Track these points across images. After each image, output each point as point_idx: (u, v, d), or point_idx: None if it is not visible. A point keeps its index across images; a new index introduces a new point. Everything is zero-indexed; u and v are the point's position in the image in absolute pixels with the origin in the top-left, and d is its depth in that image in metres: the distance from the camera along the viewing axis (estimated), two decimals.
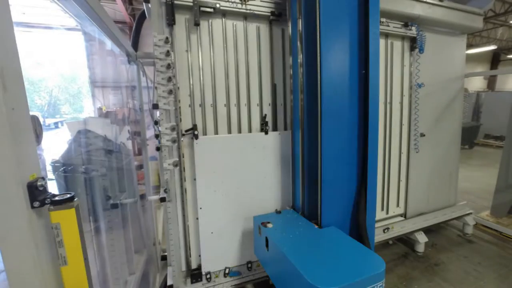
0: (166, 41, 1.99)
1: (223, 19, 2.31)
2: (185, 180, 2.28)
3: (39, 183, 0.83)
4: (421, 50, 3.13)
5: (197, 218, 2.36)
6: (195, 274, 2.36)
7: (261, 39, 2.46)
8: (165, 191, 2.18)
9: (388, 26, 2.92)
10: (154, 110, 2.33)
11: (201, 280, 2.37)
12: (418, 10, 2.97)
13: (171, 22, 2.08)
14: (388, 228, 3.15)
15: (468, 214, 3.76)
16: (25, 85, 0.84)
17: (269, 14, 2.38)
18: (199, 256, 2.42)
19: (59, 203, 0.87)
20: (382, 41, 3.03)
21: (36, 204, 0.82)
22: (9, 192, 0.77)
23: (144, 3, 2.32)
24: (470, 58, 12.33)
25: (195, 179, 2.31)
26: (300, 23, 2.15)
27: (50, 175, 2.33)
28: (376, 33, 2.05)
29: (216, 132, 2.40)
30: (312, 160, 2.20)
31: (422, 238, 3.32)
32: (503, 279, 2.86)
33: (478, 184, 5.87)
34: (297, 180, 2.42)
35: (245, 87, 2.47)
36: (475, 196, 5.12)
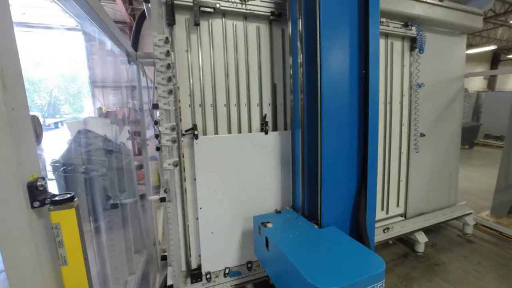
0: (166, 41, 1.99)
1: (223, 19, 2.31)
2: (185, 180, 2.28)
3: (39, 183, 0.83)
4: (421, 50, 3.14)
5: (197, 218, 2.36)
6: (195, 274, 2.36)
7: (261, 39, 2.46)
8: (165, 191, 2.18)
9: (388, 26, 2.92)
10: (154, 110, 2.33)
11: (201, 280, 2.37)
12: (418, 10, 2.97)
13: (171, 22, 2.08)
14: (388, 228, 3.15)
15: (468, 214, 3.76)
16: (25, 85, 0.84)
17: (269, 14, 2.38)
18: (199, 256, 2.42)
19: (59, 203, 0.87)
20: (382, 41, 3.03)
21: (36, 204, 0.82)
22: (9, 192, 0.77)
23: (144, 3, 2.33)
24: (470, 58, 12.33)
25: (195, 179, 2.31)
26: (300, 23, 2.15)
27: (50, 175, 2.34)
28: (376, 33, 2.05)
29: (216, 132, 2.40)
30: (312, 160, 2.20)
31: (422, 238, 3.32)
32: (503, 279, 2.86)
33: (478, 184, 5.87)
34: (297, 180, 2.42)
35: (245, 87, 2.47)
36: (475, 196, 5.12)
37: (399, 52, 3.15)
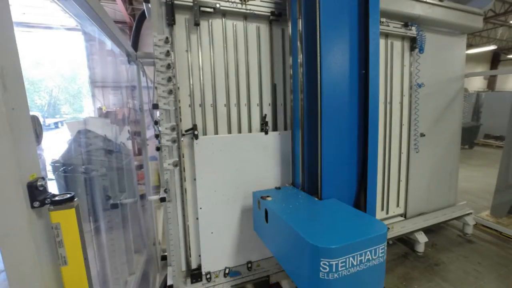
0: (166, 41, 1.99)
1: (223, 19, 2.31)
2: (185, 180, 2.28)
3: (39, 183, 0.83)
4: (421, 50, 3.14)
5: (197, 218, 2.36)
6: (195, 274, 2.36)
7: (261, 39, 2.46)
8: (165, 191, 2.18)
9: (388, 26, 2.92)
10: (154, 110, 2.33)
11: (201, 280, 2.37)
12: (418, 10, 2.97)
13: (171, 22, 2.08)
14: (388, 228, 3.14)
15: (468, 214, 3.76)
16: (25, 85, 0.84)
17: (269, 14, 2.38)
18: (199, 256, 2.42)
19: (59, 203, 0.87)
20: (382, 41, 3.03)
21: (36, 204, 0.82)
22: (9, 192, 0.77)
23: (144, 3, 2.33)
24: (470, 58, 12.35)
25: (195, 179, 2.31)
26: (300, 23, 2.15)
27: (50, 175, 2.33)
28: (376, 33, 2.05)
29: (216, 132, 2.40)
30: (312, 160, 2.20)
31: (422, 238, 3.32)
32: (503, 279, 2.86)
33: (478, 184, 5.87)
34: (297, 180, 2.42)
35: (245, 87, 2.47)
36: (475, 196, 5.12)
37: (399, 52, 3.15)
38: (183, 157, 2.25)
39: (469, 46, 15.10)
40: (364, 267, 1.48)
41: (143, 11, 2.86)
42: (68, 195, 0.89)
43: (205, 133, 2.36)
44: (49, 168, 2.39)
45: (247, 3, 2.28)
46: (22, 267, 0.81)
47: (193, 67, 2.25)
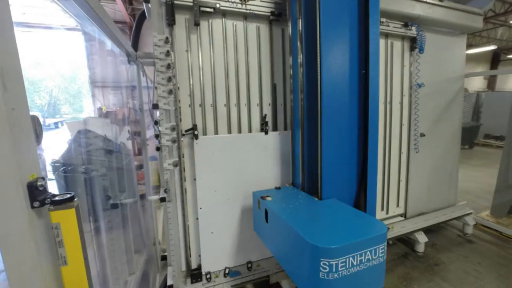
0: (166, 41, 1.99)
1: (223, 19, 2.31)
2: (185, 180, 2.28)
3: (39, 183, 0.83)
4: (421, 50, 3.14)
5: (197, 218, 2.36)
6: (195, 274, 2.36)
7: (261, 39, 2.46)
8: (165, 191, 2.18)
9: (388, 26, 2.92)
10: (154, 110, 2.33)
11: (201, 280, 2.37)
12: (418, 10, 2.97)
13: (171, 22, 2.08)
14: (388, 228, 3.14)
15: (468, 214, 3.76)
16: (25, 85, 0.84)
17: (269, 14, 2.38)
18: (199, 256, 2.42)
19: (59, 203, 0.87)
20: (382, 41, 3.03)
21: (36, 204, 0.82)
22: (9, 192, 0.77)
23: (144, 3, 2.33)
24: (470, 58, 12.35)
25: (195, 179, 2.31)
26: (300, 23, 2.15)
27: (50, 175, 2.33)
28: (376, 33, 2.05)
29: (216, 132, 2.40)
30: (312, 160, 2.20)
31: (422, 238, 3.32)
32: (503, 279, 2.86)
33: (478, 184, 5.87)
34: (297, 180, 2.42)
35: (245, 87, 2.47)
36: (475, 196, 5.12)
37: (399, 52, 3.15)
38: (183, 157, 2.25)
39: (469, 46, 15.10)
40: (364, 267, 1.48)
41: (143, 11, 2.86)
42: (68, 195, 0.89)
43: (205, 133, 2.36)
44: (49, 168, 2.39)
45: (247, 3, 2.28)
46: (22, 267, 0.81)
47: (193, 67, 2.25)
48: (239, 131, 2.48)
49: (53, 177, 2.32)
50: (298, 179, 2.40)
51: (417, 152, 3.38)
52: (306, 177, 2.28)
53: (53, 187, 2.19)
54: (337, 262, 1.40)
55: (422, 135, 3.38)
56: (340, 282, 1.42)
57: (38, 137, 0.94)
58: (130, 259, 2.46)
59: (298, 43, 2.18)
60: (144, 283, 2.59)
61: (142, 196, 3.17)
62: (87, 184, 1.98)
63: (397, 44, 3.13)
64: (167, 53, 2.00)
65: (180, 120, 2.19)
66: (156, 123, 2.56)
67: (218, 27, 2.30)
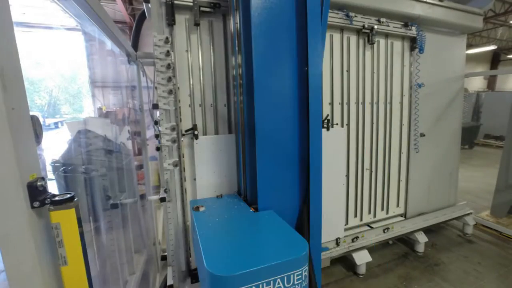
0: (166, 41, 1.99)
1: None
2: (185, 180, 2.28)
3: (39, 183, 0.83)
4: (421, 50, 3.14)
5: None
6: (195, 274, 2.36)
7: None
8: (165, 191, 2.18)
9: (388, 26, 2.92)
10: (154, 110, 2.32)
11: None
12: (418, 10, 2.97)
13: (171, 22, 2.08)
14: (388, 228, 3.15)
15: (468, 214, 3.76)
16: (25, 85, 0.84)
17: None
18: None
19: (59, 203, 0.87)
20: (382, 41, 3.03)
21: (36, 204, 0.82)
22: (9, 192, 0.77)
23: (144, 3, 2.32)
24: (470, 58, 12.34)
25: (195, 179, 2.30)
26: (237, 16, 1.90)
27: (50, 175, 2.33)
28: (316, 25, 1.81)
29: (216, 132, 2.40)
30: (253, 168, 1.94)
31: (422, 238, 3.32)
32: (503, 279, 2.86)
33: (478, 184, 5.87)
34: (240, 188, 2.27)
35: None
36: (475, 196, 5.12)
37: (399, 52, 3.15)
38: (183, 157, 2.25)
39: (469, 46, 15.09)
40: None
41: (143, 11, 2.86)
42: (68, 195, 0.89)
43: (205, 133, 2.36)
44: (49, 168, 2.39)
45: None
46: (22, 267, 0.81)
47: (193, 67, 2.25)
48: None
49: (53, 177, 2.32)
50: (241, 187, 2.24)
51: (417, 152, 3.38)
52: (248, 185, 2.11)
53: (53, 187, 2.19)
54: None
55: (422, 135, 3.38)
56: None
57: (38, 137, 0.94)
58: (130, 259, 2.46)
59: (236, 40, 1.96)
60: (144, 283, 2.59)
61: (142, 196, 3.17)
62: (87, 184, 1.98)
63: (397, 44, 3.13)
64: (167, 53, 2.00)
65: (180, 120, 2.19)
66: (156, 123, 2.56)
67: (219, 27, 2.29)
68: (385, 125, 3.19)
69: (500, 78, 19.57)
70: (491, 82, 19.51)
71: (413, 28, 3.06)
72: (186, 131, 2.24)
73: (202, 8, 2.13)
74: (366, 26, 2.78)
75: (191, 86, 2.25)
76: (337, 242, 2.82)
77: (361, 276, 2.94)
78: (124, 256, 2.33)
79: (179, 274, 2.34)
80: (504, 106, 8.96)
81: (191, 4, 2.09)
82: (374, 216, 3.29)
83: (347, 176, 3.01)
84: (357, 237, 2.92)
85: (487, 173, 6.54)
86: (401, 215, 3.48)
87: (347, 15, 2.64)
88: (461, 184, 4.19)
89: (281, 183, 1.95)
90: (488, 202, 4.27)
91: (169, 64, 2.01)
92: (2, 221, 0.77)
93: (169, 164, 2.13)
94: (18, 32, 0.82)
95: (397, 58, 3.15)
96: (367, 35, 2.89)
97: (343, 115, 2.93)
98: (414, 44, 3.14)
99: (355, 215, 3.17)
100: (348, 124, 2.97)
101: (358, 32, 2.86)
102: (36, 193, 0.82)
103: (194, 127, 2.24)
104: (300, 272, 1.31)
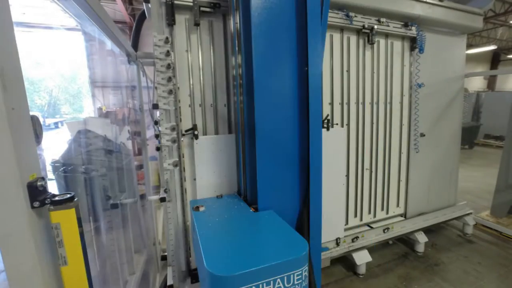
0: (166, 41, 1.99)
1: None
2: (185, 180, 2.28)
3: (39, 183, 0.83)
4: (421, 50, 3.14)
5: None
6: (195, 274, 2.36)
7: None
8: (165, 191, 2.18)
9: (388, 26, 2.92)
10: (154, 110, 2.32)
11: None
12: (418, 10, 2.97)
13: (171, 22, 2.08)
14: (388, 228, 3.15)
15: (468, 214, 3.76)
16: (25, 85, 0.84)
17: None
18: None
19: (59, 203, 0.87)
20: (382, 41, 3.03)
21: (36, 204, 0.82)
22: (9, 192, 0.77)
23: (144, 3, 2.32)
24: (470, 58, 12.34)
25: (195, 179, 2.30)
26: (237, 16, 1.90)
27: (50, 175, 2.33)
28: (316, 26, 1.80)
29: (216, 132, 2.40)
30: (253, 167, 1.94)
31: (422, 238, 3.32)
32: (503, 279, 2.86)
33: (478, 184, 5.87)
34: (240, 187, 2.26)
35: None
36: (475, 196, 5.12)
37: (399, 52, 3.15)
38: (183, 157, 2.25)
39: (469, 46, 15.09)
40: None
41: (143, 11, 2.86)
42: (68, 195, 0.89)
43: (205, 133, 2.36)
44: (49, 168, 2.39)
45: None
46: (22, 267, 0.81)
47: (193, 67, 2.25)
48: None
49: (53, 177, 2.32)
50: (241, 187, 2.23)
51: (417, 152, 3.38)
52: (248, 185, 2.10)
53: (53, 187, 2.19)
54: None
55: (422, 135, 3.38)
56: None
57: (38, 137, 0.94)
58: (130, 259, 2.46)
59: (236, 40, 1.96)
60: (144, 283, 2.59)
61: (142, 196, 3.17)
62: (87, 184, 1.98)
63: (397, 44, 3.13)
64: (167, 53, 2.00)
65: (180, 120, 2.19)
66: (156, 123, 2.56)
67: (219, 27, 2.29)
68: (385, 125, 3.19)
69: (500, 78, 19.57)
70: (491, 82, 19.51)
71: (413, 28, 3.06)
72: (186, 131, 2.24)
73: (202, 8, 2.13)
74: (366, 26, 2.78)
75: (191, 86, 2.25)
76: (337, 242, 2.82)
77: (361, 276, 2.94)
78: (124, 256, 2.33)
79: (179, 274, 2.34)
80: (504, 106, 8.96)
81: (191, 4, 2.09)
82: (374, 216, 3.29)
83: (347, 176, 3.01)
84: (357, 237, 2.92)
85: (487, 173, 6.54)
86: (401, 215, 3.48)
87: (347, 15, 2.64)
88: (461, 184, 4.19)
89: (281, 183, 1.94)
90: (488, 202, 4.27)
91: (169, 64, 2.01)
92: (2, 221, 0.77)
93: (169, 164, 2.13)
94: (18, 32, 0.82)
95: (397, 58, 3.15)
96: (367, 35, 2.89)
97: (343, 115, 2.93)
98: (414, 44, 3.14)
99: (355, 215, 3.17)
100: (348, 124, 2.97)
101: (358, 32, 2.86)
102: (36, 193, 0.82)
103: (194, 127, 2.24)
104: (300, 272, 1.30)
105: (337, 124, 2.88)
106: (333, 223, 2.77)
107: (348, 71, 2.89)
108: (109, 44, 2.18)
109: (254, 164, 1.89)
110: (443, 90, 3.54)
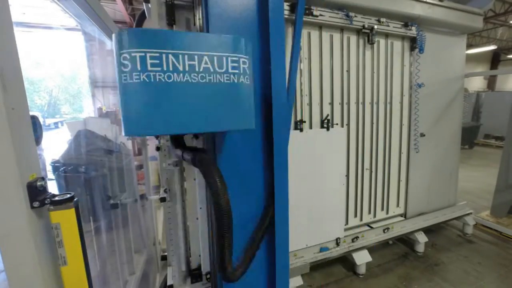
0: None
1: None
2: (185, 180, 2.28)
3: (39, 183, 0.83)
4: (421, 50, 3.13)
5: (197, 218, 2.36)
6: (195, 274, 2.36)
7: None
8: (165, 191, 2.18)
9: (388, 26, 2.92)
10: None
11: (201, 280, 2.37)
12: (418, 10, 2.97)
13: (171, 22, 2.07)
14: (388, 228, 3.15)
15: (468, 214, 3.76)
16: (25, 85, 0.84)
17: None
18: (199, 256, 2.42)
19: (59, 203, 0.87)
20: (382, 41, 3.03)
21: (36, 204, 0.82)
22: (9, 192, 0.77)
23: (144, 3, 2.33)
24: (470, 58, 12.35)
25: (195, 179, 2.30)
26: (200, 11, 1.81)
27: (50, 175, 2.34)
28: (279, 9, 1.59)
29: None
30: None
31: (422, 238, 3.32)
32: (503, 279, 2.86)
33: (478, 184, 5.87)
34: None
35: None
36: (475, 196, 5.12)
37: (399, 52, 3.15)
38: None
39: (469, 46, 15.10)
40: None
41: (143, 11, 2.85)
42: (68, 195, 0.89)
43: None
44: (49, 168, 2.39)
45: None
46: (22, 267, 0.81)
47: None
48: None
49: (53, 177, 2.32)
50: None
51: (417, 152, 3.38)
52: None
53: (53, 187, 2.19)
54: None
55: (422, 135, 3.38)
56: None
57: (38, 137, 0.94)
58: (130, 259, 2.46)
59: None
60: (144, 283, 2.59)
61: (142, 196, 3.17)
62: (87, 184, 1.98)
63: (397, 44, 3.13)
64: None
65: None
66: None
67: None
68: (385, 125, 3.19)
69: (500, 78, 19.58)
70: (491, 82, 19.51)
71: (413, 28, 3.05)
72: None
73: None
74: (366, 26, 2.78)
75: None
76: (337, 242, 2.82)
77: (361, 276, 2.94)
78: (124, 256, 2.33)
79: (179, 274, 2.34)
80: (504, 106, 8.97)
81: (191, 4, 2.09)
82: (374, 216, 3.29)
83: (347, 176, 3.01)
84: (357, 237, 2.92)
85: (487, 173, 6.54)
86: (401, 215, 3.48)
87: (347, 15, 2.64)
88: (461, 184, 4.19)
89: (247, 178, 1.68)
90: (488, 202, 4.27)
91: None
92: (2, 221, 0.77)
93: (169, 164, 2.13)
94: (18, 32, 0.82)
95: (397, 58, 3.15)
96: (367, 35, 2.88)
97: (343, 115, 2.93)
98: (414, 44, 3.14)
99: (355, 215, 3.17)
100: (348, 124, 2.97)
101: (358, 32, 2.86)
102: (36, 193, 0.82)
103: None
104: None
105: (337, 124, 2.88)
106: (333, 223, 2.77)
107: (348, 71, 2.89)
108: (109, 44, 2.18)
109: None
110: (443, 90, 3.54)
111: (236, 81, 1.12)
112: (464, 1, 3.38)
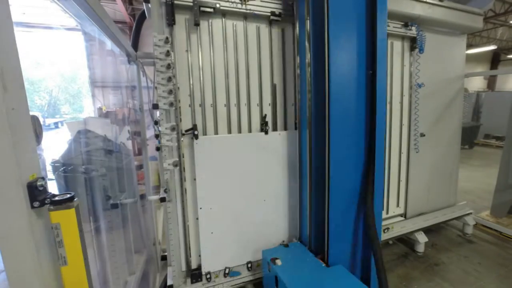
0: (166, 41, 1.99)
1: (223, 19, 2.31)
2: (185, 180, 2.28)
3: (39, 183, 0.83)
4: (421, 50, 3.13)
5: (197, 218, 2.36)
6: (195, 274, 2.36)
7: (261, 39, 2.46)
8: (165, 191, 2.18)
9: (388, 26, 2.91)
10: (154, 110, 2.33)
11: (201, 280, 2.37)
12: (418, 10, 2.97)
13: (171, 22, 2.08)
14: (388, 228, 3.15)
15: (468, 214, 3.76)
16: (25, 85, 0.84)
17: (269, 14, 2.37)
18: (199, 256, 2.42)
19: (59, 203, 0.87)
20: None
21: (36, 204, 0.82)
22: (9, 192, 0.77)
23: (144, 3, 2.32)
24: (470, 58, 12.33)
25: (195, 179, 2.30)
26: (308, 24, 2.18)
27: (50, 175, 2.34)
28: (383, 32, 2.05)
29: (216, 132, 2.40)
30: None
31: (422, 238, 3.32)
32: (503, 279, 2.86)
33: (478, 184, 5.87)
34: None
35: (245, 87, 2.46)
36: (475, 196, 5.12)
37: (399, 52, 3.15)
38: (183, 157, 2.25)
39: (469, 46, 15.09)
40: None
41: (143, 11, 2.85)
42: (68, 195, 0.89)
43: (205, 133, 2.36)
44: (49, 168, 2.39)
45: (247, 3, 2.28)
46: (22, 267, 0.81)
47: (193, 67, 2.25)
48: (239, 131, 2.48)
49: (53, 177, 2.32)
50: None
51: (417, 152, 3.37)
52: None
53: (53, 187, 2.19)
54: None
55: (422, 135, 3.38)
56: None
57: (38, 137, 0.94)
58: (130, 259, 2.46)
59: (306, 43, 2.21)
60: (144, 283, 2.59)
61: (142, 196, 3.17)
62: (87, 184, 1.98)
63: (397, 44, 3.12)
64: (167, 53, 2.00)
65: (180, 120, 2.19)
66: (156, 123, 2.56)
67: (218, 27, 2.30)
68: (385, 125, 3.19)
69: (500, 78, 19.57)
70: (491, 82, 19.51)
71: (413, 28, 3.05)
72: (186, 131, 2.24)
73: (202, 8, 2.13)
74: None
75: (191, 86, 2.25)
76: None
77: None
78: (124, 256, 2.33)
79: (179, 274, 2.34)
80: (504, 106, 8.95)
81: (191, 4, 2.10)
82: None
83: None
84: None
85: (487, 173, 6.54)
86: (401, 215, 3.47)
87: None
88: (461, 184, 4.19)
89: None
90: (488, 202, 4.27)
91: (169, 64, 2.01)
92: (2, 221, 0.77)
93: (169, 164, 2.13)
94: (18, 32, 0.82)
95: (397, 58, 3.15)
96: None
97: None
98: (414, 44, 3.14)
99: None
100: None
101: None
102: (36, 193, 0.82)
103: (194, 127, 2.24)
104: None
105: None
106: None
107: None
108: (109, 44, 2.18)
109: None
110: (443, 90, 3.54)
111: None
112: (464, 1, 3.38)
